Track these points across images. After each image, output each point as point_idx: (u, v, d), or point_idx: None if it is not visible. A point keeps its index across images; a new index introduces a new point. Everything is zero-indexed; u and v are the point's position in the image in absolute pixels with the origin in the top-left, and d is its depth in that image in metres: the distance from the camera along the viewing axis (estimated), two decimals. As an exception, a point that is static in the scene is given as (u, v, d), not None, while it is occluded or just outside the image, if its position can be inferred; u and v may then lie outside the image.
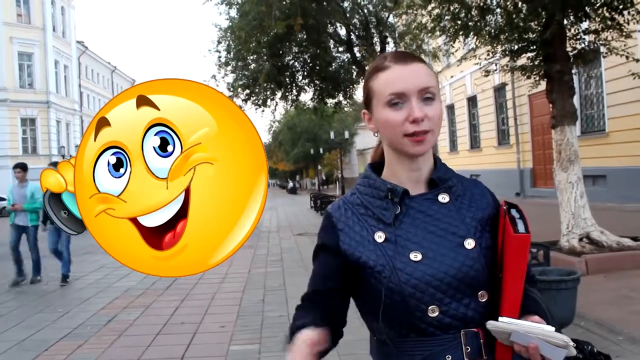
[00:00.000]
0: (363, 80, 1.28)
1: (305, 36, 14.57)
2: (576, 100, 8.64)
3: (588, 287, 5.42)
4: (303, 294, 1.30)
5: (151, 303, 6.83)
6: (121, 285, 8.12)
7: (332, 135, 41.39)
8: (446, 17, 7.97)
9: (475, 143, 23.09)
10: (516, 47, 7.98)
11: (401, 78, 1.16)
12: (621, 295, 5.53)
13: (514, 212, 1.17)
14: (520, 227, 1.13)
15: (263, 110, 16.19)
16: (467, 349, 1.12)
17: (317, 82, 16.18)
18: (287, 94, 16.29)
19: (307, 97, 17.60)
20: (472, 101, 22.98)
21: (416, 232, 1.16)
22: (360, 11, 14.98)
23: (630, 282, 6.00)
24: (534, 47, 7.69)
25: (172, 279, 8.40)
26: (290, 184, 60.02)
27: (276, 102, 16.43)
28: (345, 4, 14.76)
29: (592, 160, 12.89)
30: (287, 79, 15.85)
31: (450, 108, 25.09)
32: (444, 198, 1.20)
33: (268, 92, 15.68)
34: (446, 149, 25.94)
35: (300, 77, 16.42)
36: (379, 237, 1.17)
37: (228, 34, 14.65)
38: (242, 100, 15.47)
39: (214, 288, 7.56)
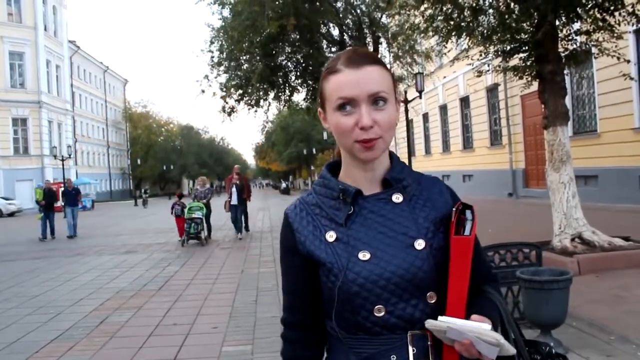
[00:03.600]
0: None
1: (298, 36, 14.53)
2: (568, 100, 8.68)
3: (580, 287, 5.45)
4: (282, 316, 1.29)
5: (143, 304, 6.80)
6: (113, 287, 8.07)
7: (325, 135, 41.37)
8: (439, 18, 7.98)
9: (467, 143, 23.16)
10: (508, 47, 8.01)
11: (351, 83, 1.12)
12: (613, 295, 5.56)
13: (468, 213, 1.16)
14: (466, 230, 1.13)
15: (256, 111, 16.12)
16: (413, 350, 1.11)
17: (310, 82, 16.14)
18: (280, 94, 16.24)
19: (300, 97, 17.56)
20: (464, 102, 23.05)
21: (367, 232, 1.15)
22: (353, 11, 14.97)
23: (621, 281, 6.04)
24: (526, 47, 7.73)
25: (163, 280, 8.38)
26: (283, 185, 59.98)
27: (269, 103, 16.38)
28: (338, 4, 14.74)
29: (583, 161, 12.96)
30: (280, 79, 15.80)
31: (443, 108, 25.17)
32: (397, 198, 1.19)
33: (261, 93, 15.61)
34: (439, 149, 26.03)
35: (293, 77, 16.37)
36: (330, 236, 1.17)
37: (221, 34, 14.59)
38: (235, 100, 15.44)
39: (207, 289, 7.53)
